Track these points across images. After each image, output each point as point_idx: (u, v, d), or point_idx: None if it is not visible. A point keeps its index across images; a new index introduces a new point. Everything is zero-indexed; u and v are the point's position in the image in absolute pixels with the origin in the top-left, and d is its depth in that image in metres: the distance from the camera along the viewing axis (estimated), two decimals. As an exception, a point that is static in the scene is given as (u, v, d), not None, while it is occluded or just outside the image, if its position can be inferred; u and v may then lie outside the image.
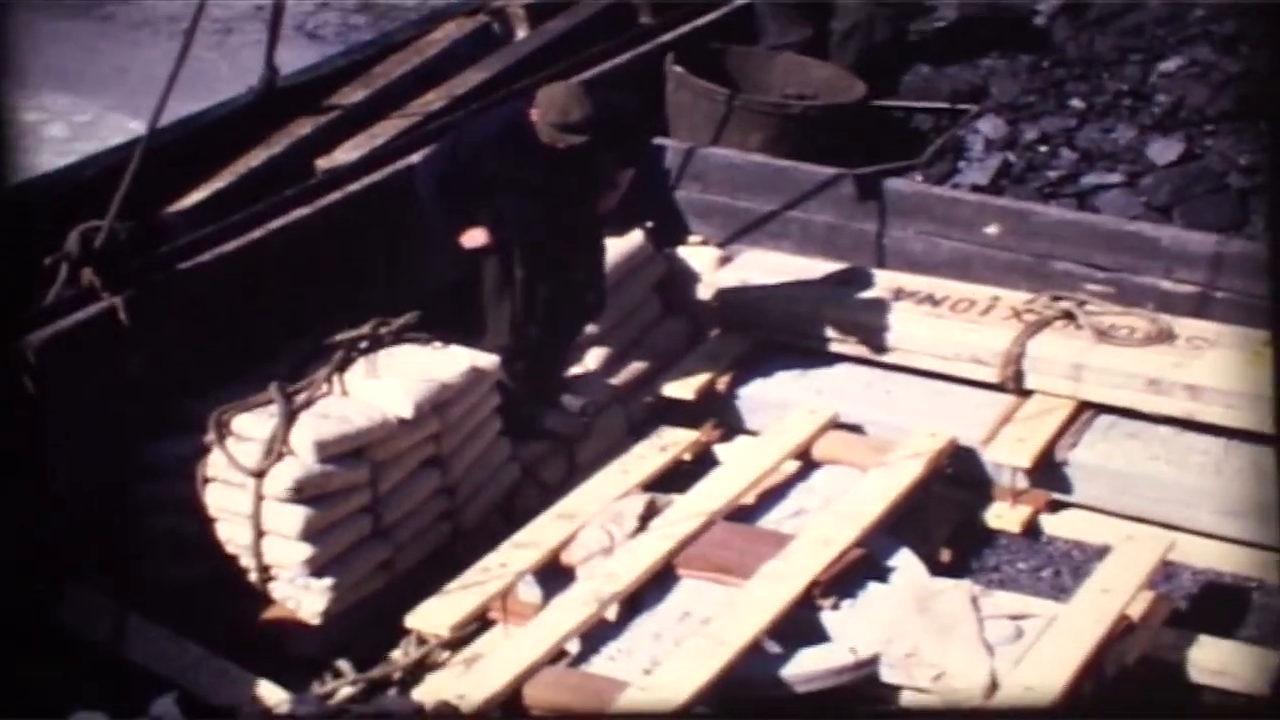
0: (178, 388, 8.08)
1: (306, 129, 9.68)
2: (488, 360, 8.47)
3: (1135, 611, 7.71)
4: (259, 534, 7.85)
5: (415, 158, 9.11)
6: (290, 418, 7.95)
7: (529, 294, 8.60)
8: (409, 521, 8.14)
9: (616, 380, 9.21)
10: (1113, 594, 7.69)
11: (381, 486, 8.03)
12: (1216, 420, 8.62)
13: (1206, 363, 8.75)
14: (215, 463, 7.93)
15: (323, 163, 9.48)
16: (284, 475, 7.83)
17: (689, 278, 9.74)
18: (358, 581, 7.93)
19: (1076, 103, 10.70)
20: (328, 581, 7.82)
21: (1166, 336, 8.94)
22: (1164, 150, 10.30)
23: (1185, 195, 9.99)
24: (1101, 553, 8.11)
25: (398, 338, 8.44)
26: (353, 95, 10.02)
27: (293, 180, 9.09)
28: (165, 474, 8.05)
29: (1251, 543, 8.33)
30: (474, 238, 8.54)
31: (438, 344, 8.48)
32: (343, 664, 7.63)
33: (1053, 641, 7.46)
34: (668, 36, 10.68)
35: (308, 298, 8.62)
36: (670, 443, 8.90)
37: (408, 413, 8.08)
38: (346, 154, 9.51)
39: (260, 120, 9.62)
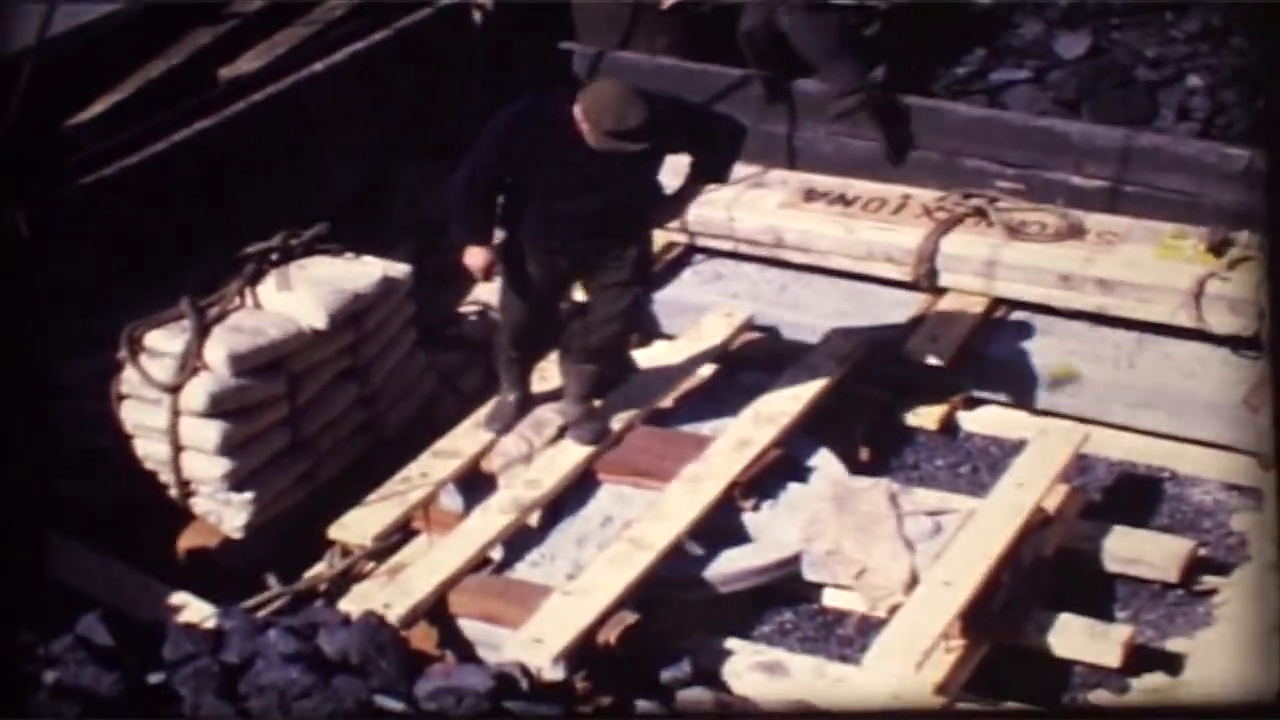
0: (86, 304, 7.99)
1: (206, 38, 9.54)
2: (400, 269, 8.41)
3: (1051, 504, 7.81)
4: (177, 450, 7.81)
5: (319, 66, 9.01)
6: (203, 332, 7.88)
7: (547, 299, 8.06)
8: (328, 433, 8.12)
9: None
10: (1028, 488, 7.78)
11: (299, 399, 8.00)
12: (1128, 314, 8.70)
13: (1117, 257, 8.82)
14: (129, 379, 7.87)
15: (225, 72, 9.35)
16: (199, 390, 7.78)
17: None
18: (279, 494, 7.91)
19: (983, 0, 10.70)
20: (248, 495, 7.80)
21: (1077, 232, 8.99)
22: (1071, 45, 10.33)
23: (1093, 90, 10.02)
24: (1017, 448, 8.17)
25: (308, 249, 8.37)
26: (253, 2, 9.88)
27: (194, 90, 8.97)
28: (78, 392, 7.97)
29: (1163, 434, 8.44)
30: (475, 258, 7.78)
31: (349, 254, 8.41)
32: (268, 577, 7.61)
33: (971, 536, 7.55)
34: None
35: (215, 210, 8.53)
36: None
37: (322, 323, 8.04)
38: (249, 63, 9.38)
39: (157, 28, 9.45)
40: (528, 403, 8.21)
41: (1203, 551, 7.87)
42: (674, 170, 7.99)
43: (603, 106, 7.41)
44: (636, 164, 7.61)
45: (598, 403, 8.16)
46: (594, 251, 7.83)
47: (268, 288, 8.16)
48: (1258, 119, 8.43)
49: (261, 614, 7.29)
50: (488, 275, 7.87)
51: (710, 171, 8.07)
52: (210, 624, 6.88)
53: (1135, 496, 8.26)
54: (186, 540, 7.85)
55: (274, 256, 8.27)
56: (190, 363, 7.80)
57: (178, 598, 7.32)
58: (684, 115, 7.89)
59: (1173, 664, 7.18)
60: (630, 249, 7.84)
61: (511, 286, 7.98)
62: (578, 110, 7.46)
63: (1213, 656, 6.88)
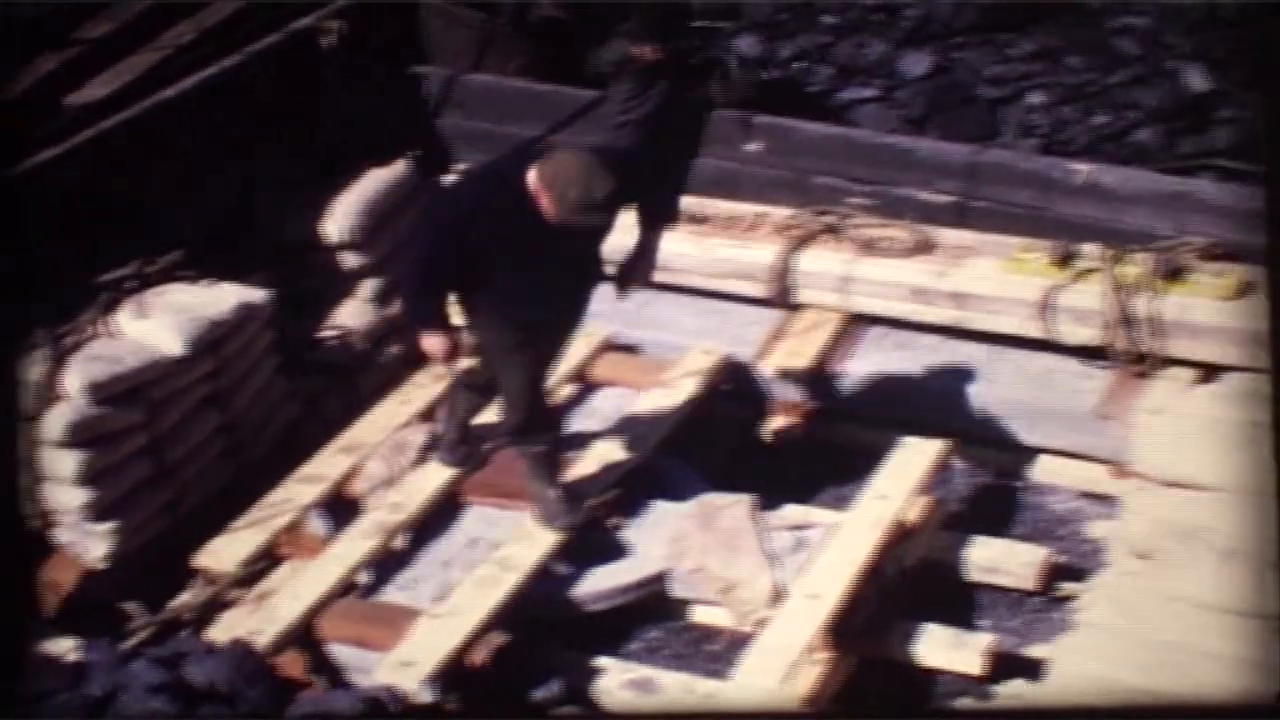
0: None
1: (51, 64, 9.41)
2: (258, 295, 8.38)
3: (912, 516, 7.91)
4: (35, 480, 7.71)
5: (169, 92, 8.92)
6: (59, 361, 7.81)
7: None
8: (191, 460, 8.07)
9: (391, 311, 9.15)
10: (889, 500, 7.89)
11: (159, 427, 7.94)
12: (980, 326, 8.84)
13: (968, 271, 8.94)
14: (-16, 410, 7.75)
15: (73, 99, 9.24)
16: (57, 419, 7.69)
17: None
18: (142, 523, 7.85)
19: (829, 19, 10.85)
20: (110, 525, 7.74)
21: (928, 247, 9.10)
22: (915, 64, 10.53)
23: (938, 107, 10.21)
24: (878, 461, 8.25)
25: (165, 276, 8.31)
26: (98, 28, 9.76)
27: (41, 118, 8.85)
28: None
29: (1019, 445, 8.58)
30: (436, 344, 7.49)
31: (207, 281, 8.36)
32: (133, 607, 7.54)
33: (834, 549, 7.64)
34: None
35: (69, 239, 8.42)
36: (448, 371, 8.89)
37: (180, 351, 7.99)
38: (97, 89, 9.27)
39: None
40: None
41: (1060, 559, 8.01)
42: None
43: (566, 181, 7.10)
44: (600, 227, 7.46)
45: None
46: (559, 315, 7.69)
47: (125, 316, 8.09)
48: (1256, 132, 8.55)
49: (126, 645, 7.22)
50: (450, 359, 7.56)
51: (662, 213, 7.92)
52: (73, 657, 6.81)
53: (993, 507, 8.40)
54: (48, 572, 7.74)
55: (130, 284, 8.21)
56: (48, 392, 7.71)
57: (41, 631, 7.22)
58: (632, 166, 7.69)
59: (1034, 670, 7.29)
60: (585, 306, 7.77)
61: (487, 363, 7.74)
62: (535, 184, 7.15)
63: (1073, 661, 7.00)
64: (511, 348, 7.54)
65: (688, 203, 9.54)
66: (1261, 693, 6.34)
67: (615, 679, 7.36)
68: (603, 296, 9.31)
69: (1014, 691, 7.23)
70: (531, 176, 7.16)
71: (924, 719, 6.66)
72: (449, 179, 7.40)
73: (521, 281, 7.36)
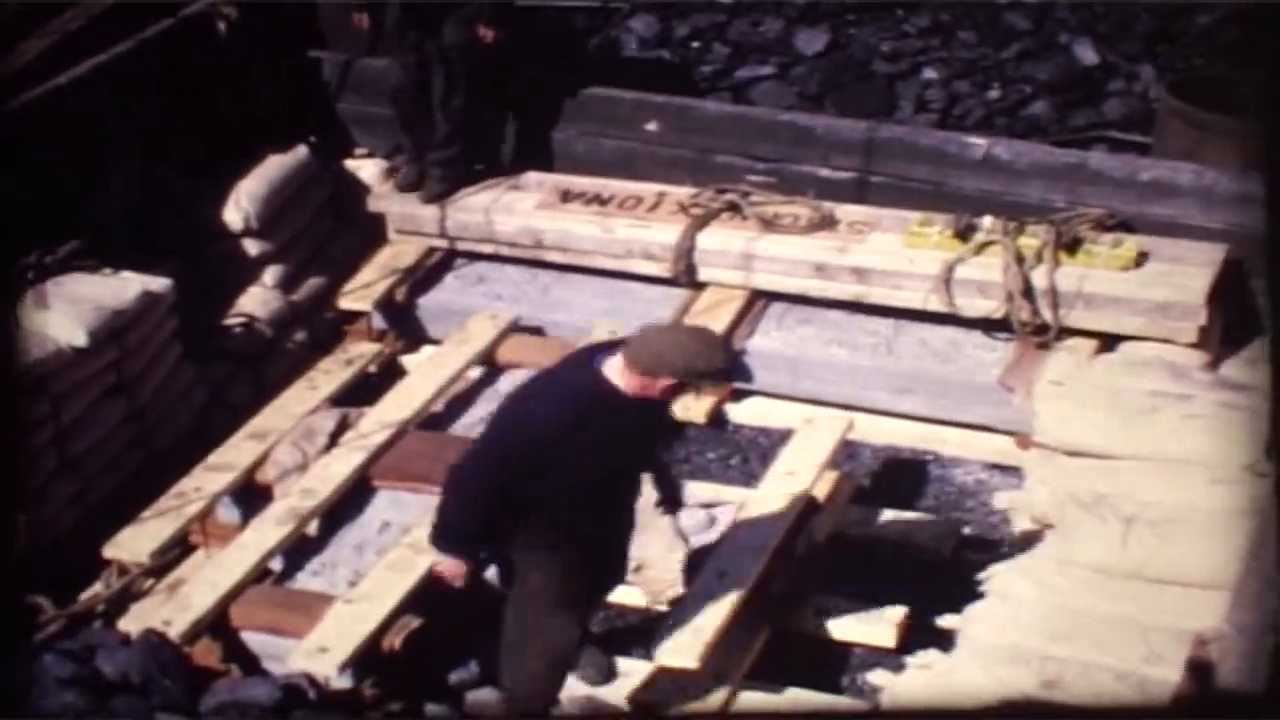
0: None
1: (-62, 53, 9.30)
2: (161, 284, 8.32)
3: (821, 491, 7.96)
4: (-62, 472, 7.63)
5: (62, 79, 8.83)
6: (-41, 354, 7.72)
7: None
8: (98, 452, 8.01)
9: (295, 297, 9.14)
10: (798, 476, 7.93)
11: (64, 418, 7.87)
12: (882, 301, 8.91)
13: (868, 246, 9.01)
14: (-117, 406, 7.66)
15: (-39, 87, 9.13)
16: (-42, 412, 7.61)
17: (358, 190, 9.68)
18: (50, 516, 7.76)
19: (724, -2, 10.92)
20: (18, 519, 7.63)
21: (829, 222, 9.17)
22: (810, 41, 10.57)
23: (835, 84, 10.26)
24: (785, 437, 8.32)
25: (65, 266, 8.23)
26: (-14, 17, 9.65)
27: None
28: None
29: (925, 418, 8.67)
30: (455, 569, 6.68)
31: (107, 270, 8.29)
32: (43, 600, 7.47)
33: (745, 526, 7.68)
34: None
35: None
36: (355, 356, 8.90)
37: (82, 341, 7.93)
38: (-15, 80, 9.16)
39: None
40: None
41: (967, 530, 8.10)
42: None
43: (687, 354, 6.28)
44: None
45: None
46: (621, 535, 6.98)
47: (25, 306, 8.00)
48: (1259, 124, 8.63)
49: (38, 638, 7.16)
50: (466, 584, 6.79)
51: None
52: (-14, 655, 6.75)
53: (901, 480, 8.48)
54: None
55: (29, 275, 8.12)
56: (-52, 385, 7.63)
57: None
58: None
59: (944, 640, 7.37)
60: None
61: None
62: (635, 375, 6.30)
63: (984, 630, 7.07)
64: (562, 597, 6.70)
65: (589, 183, 9.59)
66: (1173, 658, 6.44)
67: (531, 660, 7.36)
68: (503, 279, 9.38)
69: (925, 661, 7.29)
70: (621, 370, 6.33)
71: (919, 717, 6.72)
72: (514, 404, 6.55)
73: (591, 494, 6.55)
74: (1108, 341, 8.55)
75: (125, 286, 8.22)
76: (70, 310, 7.99)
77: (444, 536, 6.59)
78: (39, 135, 8.67)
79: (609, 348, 6.50)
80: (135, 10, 9.51)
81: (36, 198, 8.59)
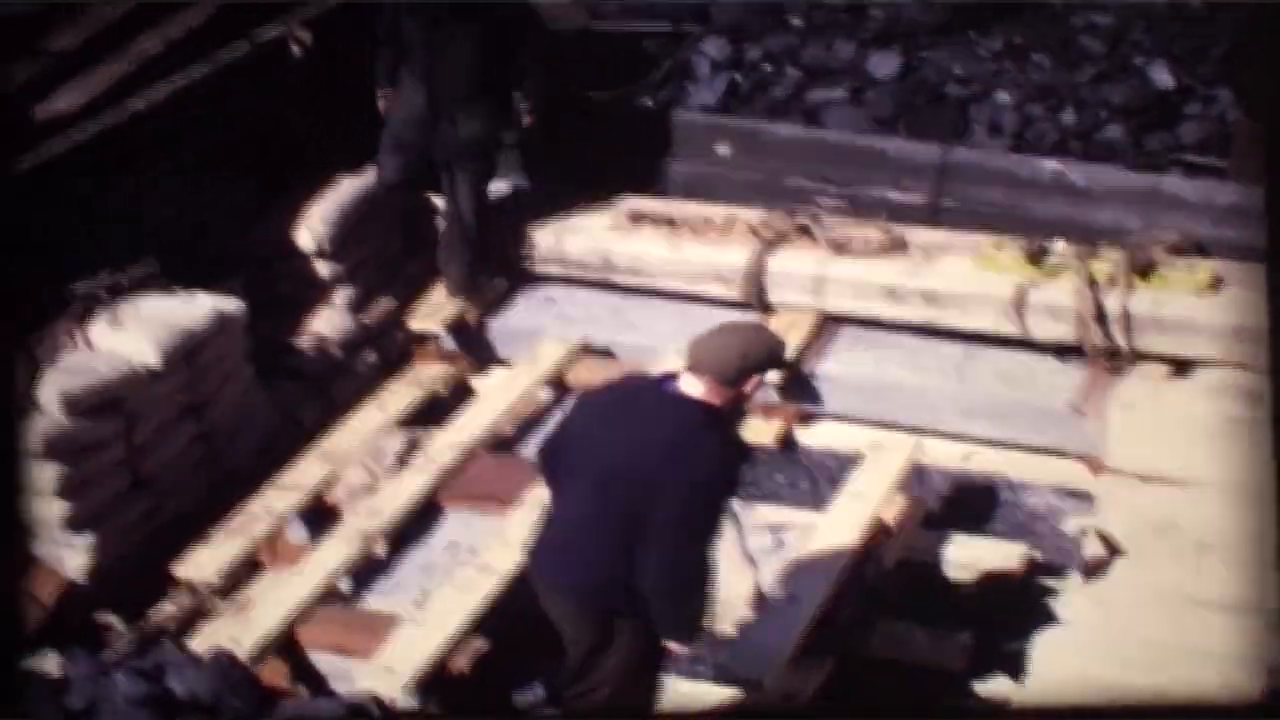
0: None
1: (21, 76, 9.39)
2: (233, 304, 8.36)
3: (890, 515, 7.93)
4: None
5: (139, 103, 8.91)
6: (34, 374, 7.77)
7: None
8: (169, 471, 8.03)
9: (366, 318, 9.16)
10: (867, 500, 7.91)
11: (136, 438, 7.91)
12: (954, 325, 8.87)
13: (940, 269, 8.98)
14: (-41, 424, 7.72)
15: (42, 111, 9.21)
16: (33, 432, 7.65)
17: (430, 214, 9.70)
18: (120, 535, 7.81)
19: (796, 21, 10.87)
20: (89, 537, 7.70)
21: (900, 246, 9.14)
22: (883, 64, 10.52)
23: (907, 107, 10.21)
24: (854, 460, 8.29)
25: (138, 287, 8.29)
26: (63, 40, 9.74)
27: (11, 130, 8.82)
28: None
29: (995, 441, 8.61)
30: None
31: (180, 291, 8.35)
32: (113, 619, 7.51)
33: (813, 550, 7.65)
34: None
35: (40, 251, 8.39)
36: (425, 377, 8.91)
37: (155, 362, 7.97)
38: (67, 101, 9.25)
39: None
40: None
41: (1037, 555, 8.04)
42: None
43: (758, 344, 6.35)
44: None
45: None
46: None
47: (99, 327, 8.07)
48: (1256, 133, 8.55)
49: (106, 657, 7.19)
50: None
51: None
52: (53, 670, 6.78)
53: (971, 504, 8.42)
54: (28, 586, 7.70)
55: (103, 295, 8.18)
56: (23, 404, 7.68)
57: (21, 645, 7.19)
58: None
59: (1013, 667, 7.31)
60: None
61: None
62: (724, 386, 6.24)
63: (1053, 657, 7.01)
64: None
65: (660, 205, 9.59)
66: (1246, 688, 6.37)
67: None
68: (573, 301, 9.38)
69: (995, 688, 7.25)
70: (709, 391, 6.24)
71: (920, 718, 6.66)
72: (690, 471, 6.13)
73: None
74: (1181, 366, 8.47)
75: (198, 307, 8.26)
76: (143, 330, 8.04)
77: (697, 628, 6.44)
78: (116, 156, 8.77)
79: (660, 382, 6.42)
80: (210, 34, 9.62)
81: (112, 217, 8.70)
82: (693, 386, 6.26)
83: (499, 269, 9.47)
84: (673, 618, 6.31)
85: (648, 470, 6.13)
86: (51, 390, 7.70)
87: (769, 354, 6.38)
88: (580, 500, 6.31)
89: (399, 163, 9.13)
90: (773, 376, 7.47)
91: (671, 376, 6.40)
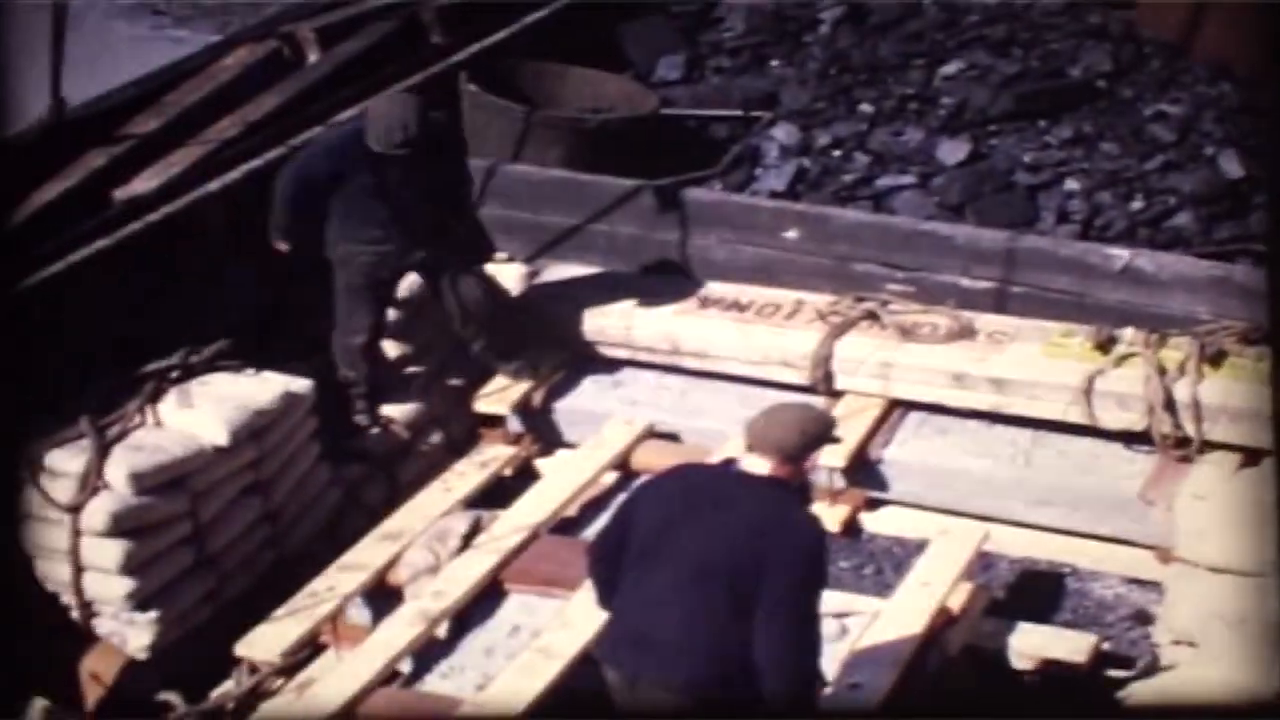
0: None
1: (100, 160, 9.51)
2: (301, 384, 8.41)
3: (955, 603, 7.86)
4: (78, 570, 7.74)
5: (214, 185, 9.00)
6: (103, 451, 7.85)
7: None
8: (233, 550, 8.08)
9: (432, 399, 9.19)
10: (932, 587, 7.85)
11: (202, 516, 7.96)
12: (1021, 411, 8.82)
13: (1008, 356, 8.94)
14: (29, 499, 7.78)
15: (120, 193, 9.32)
16: (100, 509, 7.74)
17: (498, 294, 9.72)
18: (183, 613, 7.86)
19: (865, 107, 10.92)
20: (152, 615, 7.75)
21: (968, 332, 9.11)
22: (952, 151, 10.53)
23: (975, 194, 10.22)
24: (920, 547, 8.24)
25: (209, 366, 8.36)
26: (146, 124, 9.87)
27: (89, 212, 8.93)
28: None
29: (1063, 530, 8.54)
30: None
31: (250, 370, 8.41)
32: (173, 697, 7.53)
33: (877, 637, 7.59)
34: (460, 55, 10.64)
35: (113, 329, 8.48)
36: (490, 458, 8.92)
37: (223, 441, 8.02)
38: (144, 183, 9.36)
39: (50, 151, 9.43)
40: None
41: (1106, 645, 7.96)
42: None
43: (812, 421, 6.64)
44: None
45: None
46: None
47: (168, 405, 8.14)
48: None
49: (168, 735, 7.23)
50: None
51: None
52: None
53: (1037, 593, 8.33)
54: (90, 663, 7.74)
55: (174, 374, 8.26)
56: (91, 482, 7.76)
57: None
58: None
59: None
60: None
61: None
62: (788, 464, 6.46)
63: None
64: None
65: (728, 290, 9.60)
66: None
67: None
68: (639, 383, 9.38)
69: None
70: (775, 468, 6.45)
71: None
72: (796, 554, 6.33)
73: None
74: (1251, 456, 8.39)
75: (267, 386, 8.32)
76: (213, 409, 8.10)
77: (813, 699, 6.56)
78: (188, 240, 8.86)
79: (725, 467, 6.61)
80: (287, 117, 9.72)
81: (183, 297, 8.78)
82: (759, 466, 6.40)
83: (551, 344, 9.46)
84: (790, 692, 6.30)
85: (748, 551, 6.23)
86: (120, 467, 7.77)
87: (824, 428, 6.59)
88: (669, 591, 6.31)
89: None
90: (829, 457, 7.66)
91: (732, 461, 6.48)
